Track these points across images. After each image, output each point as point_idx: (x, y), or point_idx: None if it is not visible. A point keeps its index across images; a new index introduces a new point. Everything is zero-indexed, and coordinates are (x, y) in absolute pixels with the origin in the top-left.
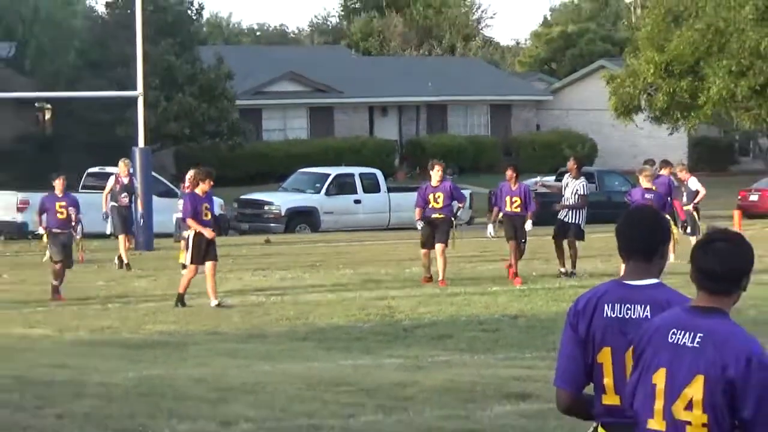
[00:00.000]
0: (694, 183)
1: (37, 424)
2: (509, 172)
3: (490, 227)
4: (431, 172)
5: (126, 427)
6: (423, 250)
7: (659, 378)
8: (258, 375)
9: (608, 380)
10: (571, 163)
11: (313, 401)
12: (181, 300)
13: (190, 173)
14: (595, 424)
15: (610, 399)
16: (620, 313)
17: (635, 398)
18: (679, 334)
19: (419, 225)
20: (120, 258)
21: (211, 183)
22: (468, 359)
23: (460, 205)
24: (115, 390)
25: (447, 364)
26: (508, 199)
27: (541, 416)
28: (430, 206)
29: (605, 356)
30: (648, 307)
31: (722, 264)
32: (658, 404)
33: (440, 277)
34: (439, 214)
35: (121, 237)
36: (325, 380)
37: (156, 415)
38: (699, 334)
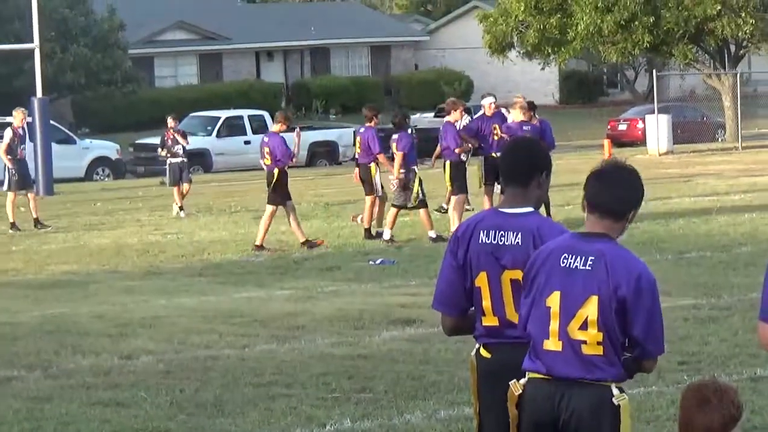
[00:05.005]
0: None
1: None
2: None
3: None
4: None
5: (33, 363)
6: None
7: (553, 301)
8: (156, 309)
9: (486, 303)
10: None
11: (210, 333)
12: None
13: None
14: (477, 345)
15: (489, 320)
16: (494, 240)
17: (529, 321)
18: (571, 259)
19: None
20: (36, 219)
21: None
22: (356, 288)
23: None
24: (21, 329)
25: (336, 294)
26: None
27: (426, 340)
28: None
29: (482, 280)
30: (519, 234)
31: (612, 193)
32: (554, 325)
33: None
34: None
35: (31, 194)
36: (221, 313)
37: (61, 351)
38: (590, 257)
